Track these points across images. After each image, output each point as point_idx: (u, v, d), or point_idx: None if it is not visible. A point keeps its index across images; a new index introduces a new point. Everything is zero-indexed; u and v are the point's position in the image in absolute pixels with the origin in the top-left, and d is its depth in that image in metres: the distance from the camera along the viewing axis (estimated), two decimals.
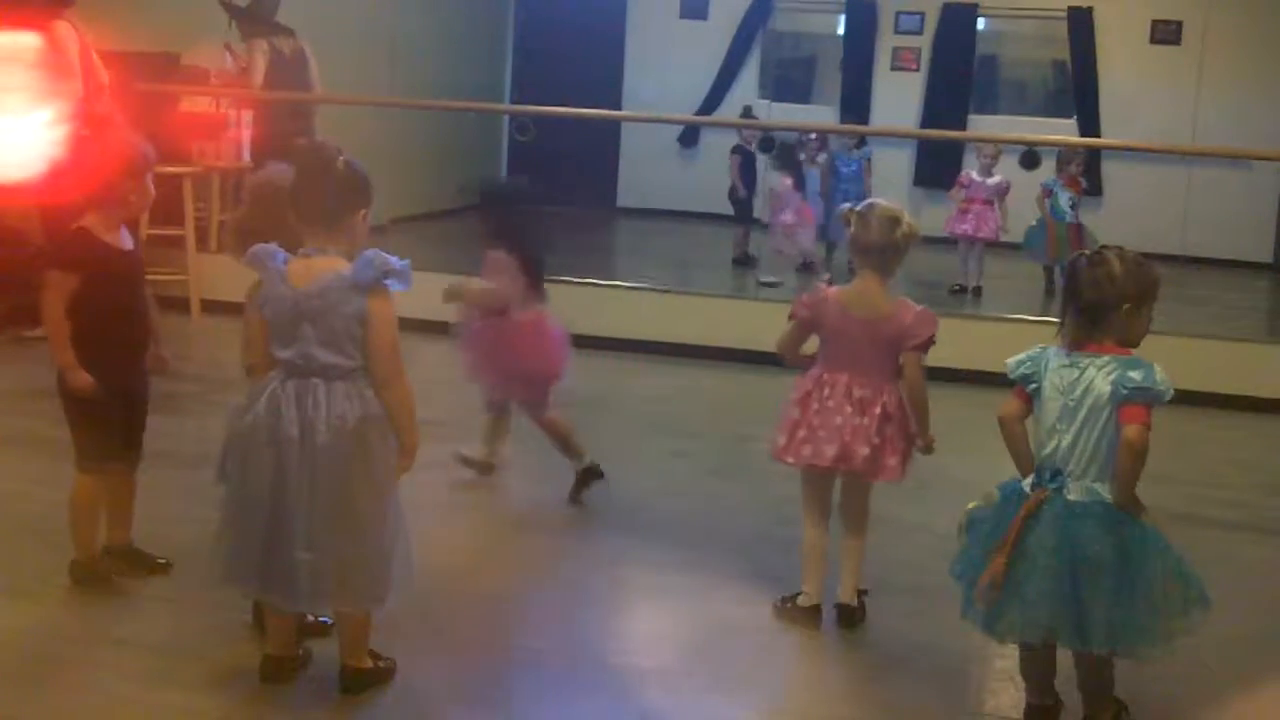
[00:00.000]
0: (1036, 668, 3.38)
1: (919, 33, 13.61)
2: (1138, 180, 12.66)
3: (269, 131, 8.08)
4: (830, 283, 4.21)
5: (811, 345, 4.04)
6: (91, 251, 3.85)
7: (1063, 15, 13.13)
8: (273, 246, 3.29)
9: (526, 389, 5.03)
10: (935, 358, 3.92)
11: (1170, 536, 3.25)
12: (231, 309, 3.88)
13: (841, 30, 14.06)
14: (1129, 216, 11.93)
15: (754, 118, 11.97)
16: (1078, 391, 3.23)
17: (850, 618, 3.99)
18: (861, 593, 4.05)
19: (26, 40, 6.42)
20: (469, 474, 5.14)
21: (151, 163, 4.00)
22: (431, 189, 12.29)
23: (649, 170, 14.05)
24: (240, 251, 3.40)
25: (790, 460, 3.94)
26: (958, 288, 9.92)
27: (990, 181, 10.00)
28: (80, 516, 4.00)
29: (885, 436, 3.87)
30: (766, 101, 13.76)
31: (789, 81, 14.76)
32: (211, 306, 7.88)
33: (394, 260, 3.21)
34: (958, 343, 5.18)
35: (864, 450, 3.85)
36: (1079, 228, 9.77)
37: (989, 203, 9.98)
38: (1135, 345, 3.28)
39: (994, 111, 13.73)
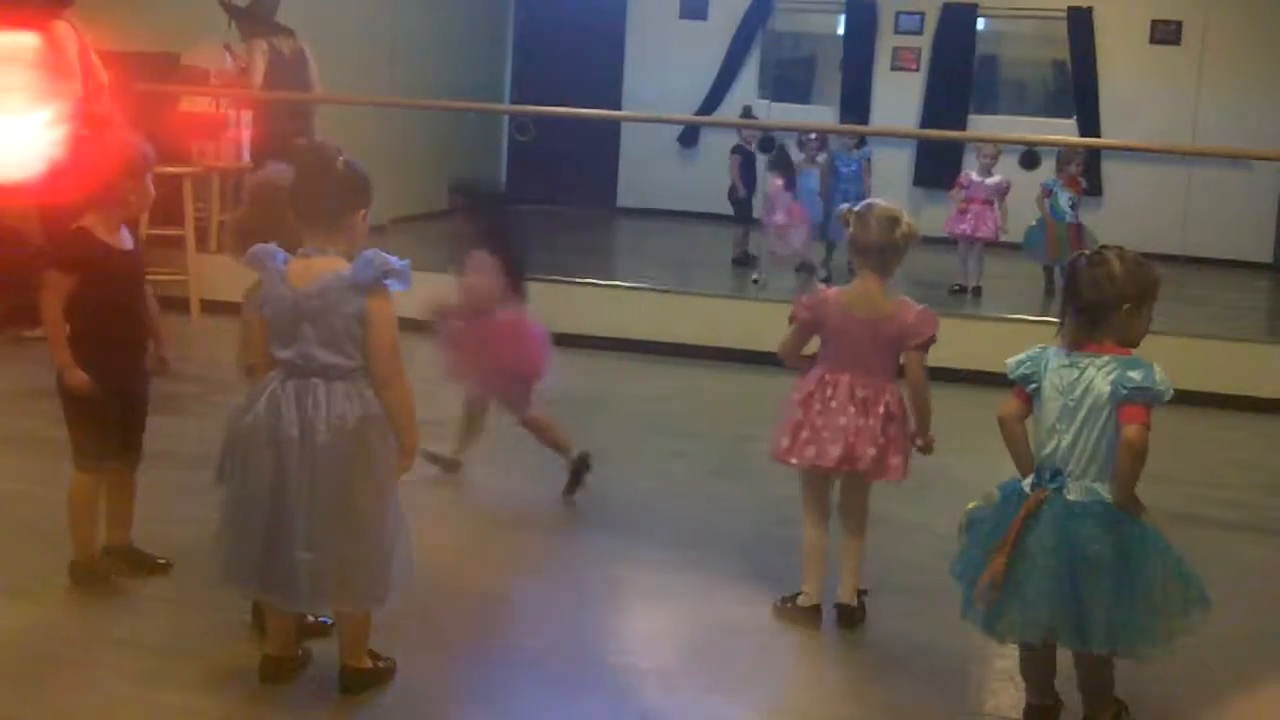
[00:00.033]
0: (1036, 668, 3.38)
1: (919, 33, 13.61)
2: (1138, 180, 12.67)
3: (269, 131, 8.08)
4: (828, 281, 4.21)
5: (811, 346, 4.04)
6: (91, 251, 3.84)
7: (1062, 15, 13.13)
8: (272, 246, 3.29)
9: (507, 388, 5.02)
10: (935, 358, 3.92)
11: (1170, 536, 3.25)
12: (231, 309, 3.88)
13: (841, 30, 14.07)
14: (1129, 216, 11.93)
15: (754, 118, 11.97)
16: (1077, 391, 3.23)
17: (850, 618, 3.99)
18: (861, 593, 4.05)
19: (26, 40, 6.42)
20: (438, 471, 5.13)
21: (151, 163, 4.00)
22: (431, 189, 12.25)
23: (649, 170, 14.05)
24: (240, 251, 3.40)
25: (794, 461, 3.94)
26: (957, 288, 9.92)
27: (990, 181, 10.00)
28: (78, 516, 4.00)
29: (889, 436, 3.88)
30: (766, 101, 13.77)
31: (789, 81, 14.76)
32: (211, 306, 7.88)
33: (394, 260, 3.21)
34: (958, 343, 5.18)
35: (870, 451, 3.85)
36: (1079, 228, 9.77)
37: (988, 202, 9.98)
38: (1135, 345, 3.28)
39: (994, 111, 13.73)
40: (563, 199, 13.99)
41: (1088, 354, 3.25)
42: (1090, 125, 12.89)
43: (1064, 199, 9.82)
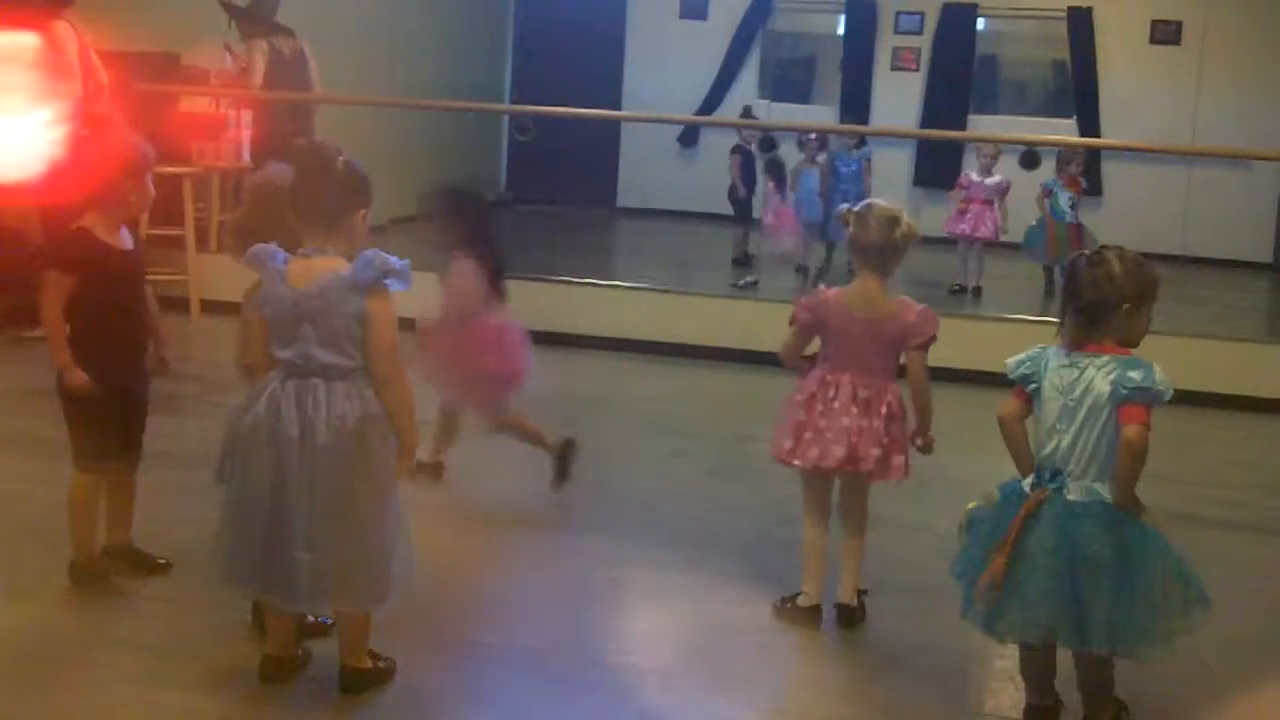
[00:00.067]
0: (1036, 668, 3.38)
1: (919, 33, 13.62)
2: (1138, 180, 12.67)
3: (268, 132, 8.08)
4: (820, 275, 4.22)
5: (811, 347, 4.04)
6: (90, 251, 3.84)
7: (1062, 15, 13.14)
8: (272, 246, 3.29)
9: (485, 393, 5.01)
10: (935, 358, 3.92)
11: (1170, 536, 3.25)
12: (232, 309, 3.88)
13: (841, 30, 14.08)
14: (1129, 216, 11.94)
15: (754, 117, 11.97)
16: (1077, 391, 3.23)
17: (850, 618, 3.99)
18: (861, 593, 4.05)
19: (25, 40, 6.42)
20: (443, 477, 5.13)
21: (151, 163, 4.00)
22: (431, 189, 12.28)
23: (649, 170, 14.06)
24: (240, 251, 3.40)
25: (797, 463, 3.93)
26: (957, 288, 9.92)
27: (989, 181, 10.00)
28: (78, 516, 4.00)
29: (892, 436, 3.88)
30: (766, 101, 13.77)
31: (789, 81, 14.77)
32: (211, 306, 7.88)
33: (394, 260, 3.21)
34: (958, 343, 5.18)
35: (875, 452, 3.85)
36: (1079, 228, 9.77)
37: (988, 202, 9.98)
38: (1135, 345, 3.28)
39: (994, 111, 13.74)
40: (563, 199, 14.01)
41: (1088, 354, 3.25)
42: (1090, 125, 12.90)
43: (1064, 199, 9.82)
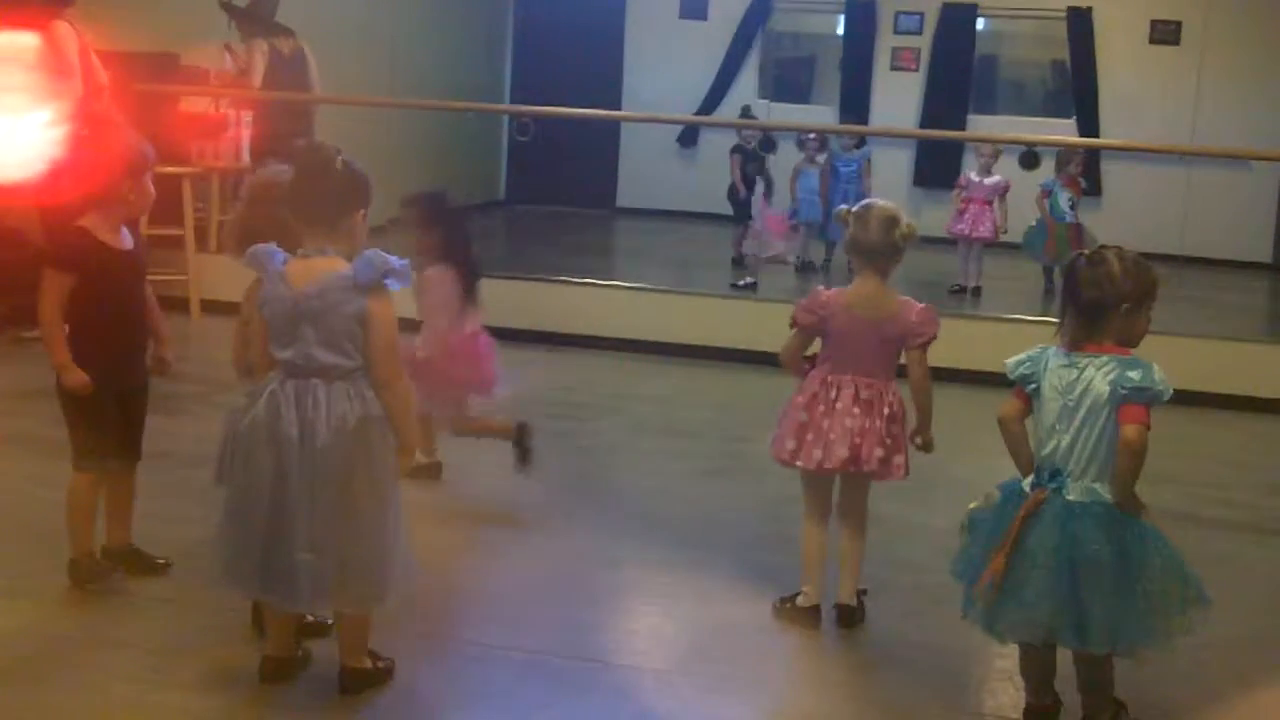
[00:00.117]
0: (1036, 667, 3.38)
1: (918, 33, 13.62)
2: (1137, 180, 12.68)
3: (268, 132, 8.07)
4: (821, 273, 4.21)
5: (810, 348, 4.03)
6: (89, 251, 3.84)
7: (1062, 15, 13.14)
8: (272, 247, 3.29)
9: (451, 398, 5.01)
10: (935, 358, 3.92)
11: (1170, 536, 3.25)
12: (232, 309, 3.88)
13: (841, 30, 14.08)
14: (1128, 216, 11.95)
15: (753, 117, 11.97)
16: (1076, 391, 3.23)
17: (850, 618, 3.99)
18: (861, 593, 4.05)
19: (25, 40, 6.41)
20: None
21: (151, 162, 4.00)
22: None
23: (649, 170, 14.06)
24: (240, 252, 3.40)
25: (800, 464, 3.93)
26: (957, 288, 9.92)
27: (988, 181, 10.00)
28: (76, 515, 3.99)
29: (893, 436, 3.89)
30: (766, 101, 13.78)
31: (788, 81, 14.78)
32: (211, 307, 7.88)
33: (393, 260, 3.21)
34: (957, 343, 5.19)
35: (879, 452, 3.85)
36: (1078, 228, 9.77)
37: (987, 203, 9.98)
38: (1134, 345, 3.28)
39: (993, 111, 13.74)
40: (563, 199, 14.02)
41: (1087, 354, 3.25)
42: (1090, 125, 12.91)
43: (1063, 199, 9.83)
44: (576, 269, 9.28)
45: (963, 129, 13.19)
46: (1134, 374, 3.17)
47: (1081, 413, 3.21)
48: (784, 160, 11.21)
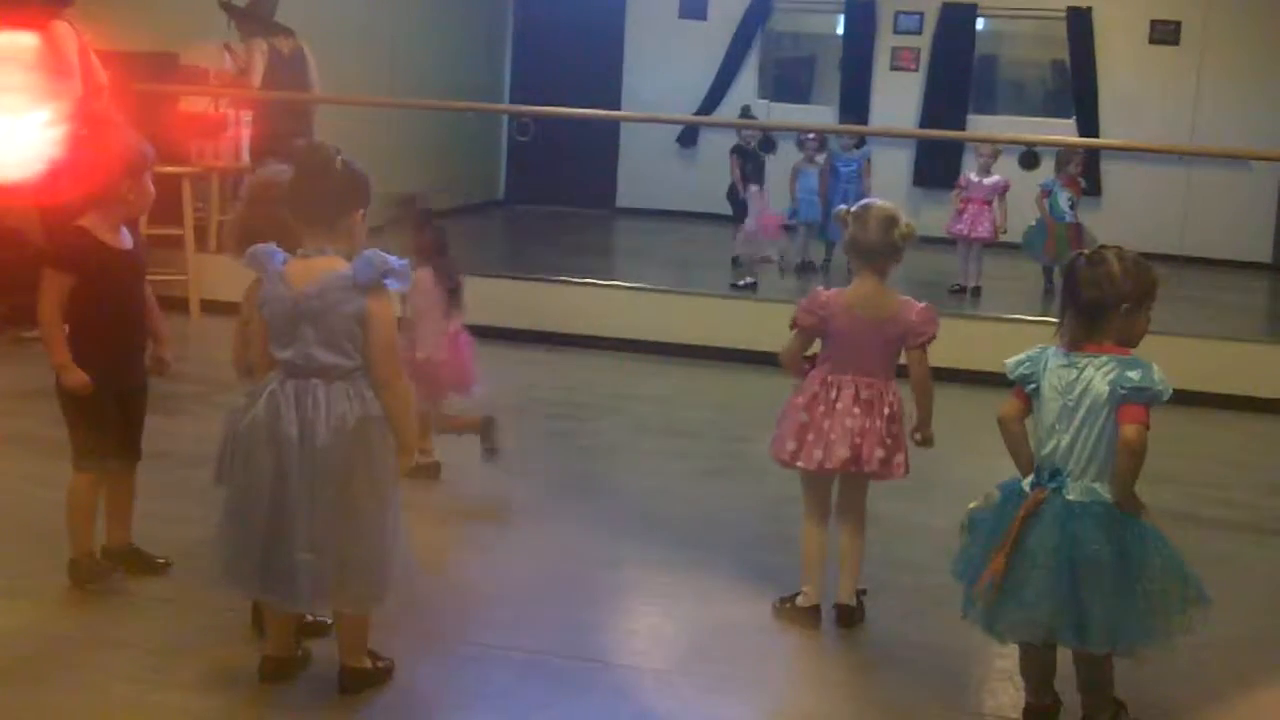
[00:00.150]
0: (1036, 667, 3.37)
1: (918, 33, 13.62)
2: (1137, 180, 12.68)
3: (268, 131, 8.07)
4: (821, 272, 4.20)
5: (809, 348, 4.03)
6: (89, 251, 3.84)
7: (1062, 15, 13.14)
8: (271, 246, 3.29)
9: (429, 397, 5.02)
10: (935, 358, 3.92)
11: (1170, 536, 3.25)
12: (231, 309, 3.88)
13: (840, 30, 14.08)
14: (1128, 216, 11.95)
15: (753, 117, 11.97)
16: (1076, 391, 3.23)
17: (849, 618, 3.99)
18: (860, 593, 4.05)
19: (25, 40, 6.41)
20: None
21: (150, 162, 3.99)
22: (431, 189, 12.27)
23: (649, 170, 14.06)
24: (239, 251, 3.40)
25: (801, 465, 3.93)
26: (957, 288, 9.92)
27: (988, 181, 10.00)
28: (76, 515, 3.99)
29: (893, 436, 3.89)
30: (765, 101, 13.78)
31: (788, 81, 14.78)
32: (211, 306, 7.88)
33: (393, 260, 3.21)
34: (957, 343, 5.18)
35: (879, 452, 3.86)
36: (1078, 228, 9.77)
37: (986, 202, 9.98)
38: (1134, 345, 3.28)
39: (993, 111, 13.74)
40: (563, 199, 14.02)
41: (1086, 354, 3.25)
42: (1089, 125, 12.90)
43: (1063, 199, 9.83)
44: (576, 269, 9.28)
45: (962, 129, 13.19)
46: (1133, 374, 3.17)
47: (1081, 413, 3.21)
48: (784, 160, 11.21)
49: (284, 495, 3.19)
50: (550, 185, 14.04)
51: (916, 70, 13.64)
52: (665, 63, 13.86)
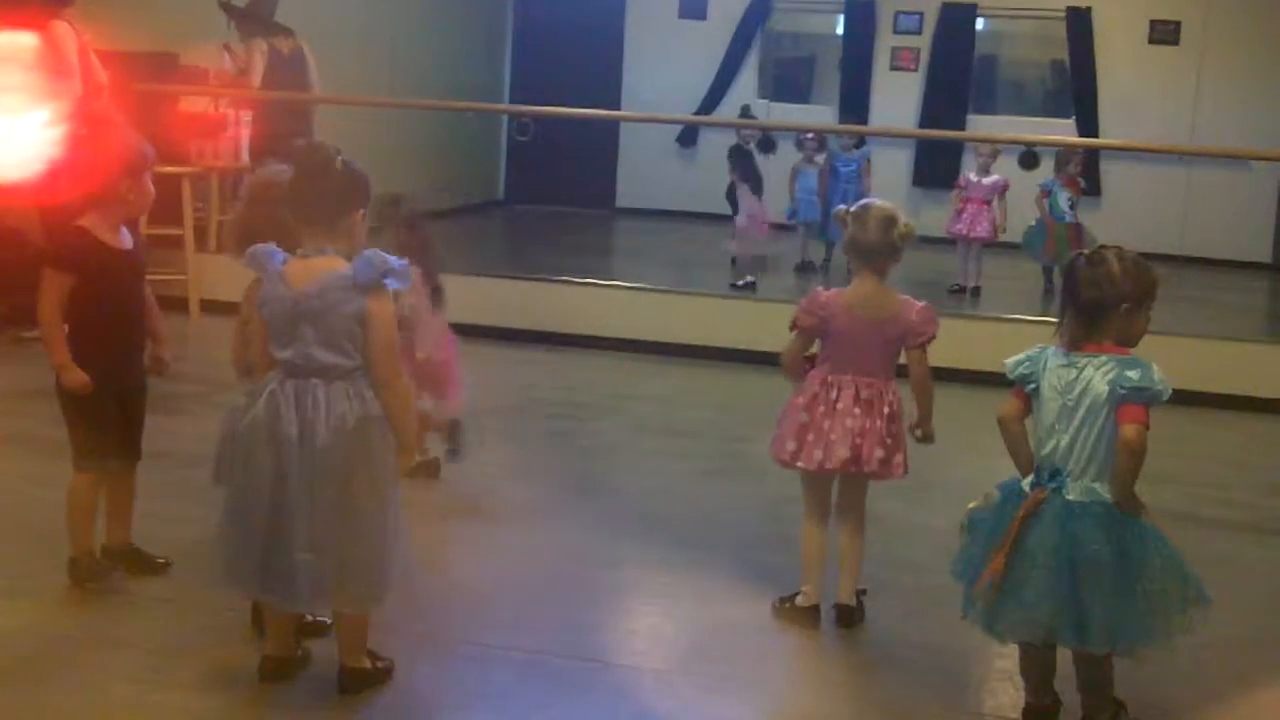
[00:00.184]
0: (1036, 667, 3.37)
1: (918, 33, 13.63)
2: (1137, 180, 12.68)
3: (267, 131, 8.08)
4: (821, 271, 4.21)
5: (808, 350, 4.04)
6: (89, 251, 3.84)
7: (1061, 15, 13.14)
8: (271, 246, 3.29)
9: (434, 396, 5.04)
10: (935, 358, 3.92)
11: (1170, 536, 3.25)
12: (231, 309, 3.88)
13: (840, 30, 14.08)
14: (1128, 216, 11.95)
15: (753, 117, 11.96)
16: (1076, 391, 3.22)
17: (849, 618, 3.99)
18: (860, 592, 4.04)
19: (24, 40, 6.41)
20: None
21: (150, 162, 3.99)
22: (431, 189, 12.28)
23: (648, 170, 14.06)
24: (239, 251, 3.40)
25: (801, 465, 3.93)
26: (956, 288, 9.92)
27: (987, 181, 10.00)
28: (77, 515, 3.99)
29: (893, 435, 3.89)
30: (765, 101, 13.78)
31: (788, 81, 14.78)
32: (210, 306, 7.88)
33: (393, 260, 3.21)
34: (957, 343, 5.18)
35: (879, 453, 3.86)
36: (1078, 228, 9.77)
37: (985, 202, 9.97)
38: (1134, 345, 3.28)
39: (993, 111, 13.75)
40: (562, 199, 14.02)
41: (1086, 354, 3.25)
42: (1089, 125, 12.91)
43: (1063, 199, 9.83)
44: (576, 269, 9.28)
45: (962, 129, 13.19)
46: (1133, 374, 3.17)
47: (1081, 412, 3.21)
48: (783, 160, 11.21)
49: (284, 495, 3.19)
50: (550, 185, 14.05)
51: (916, 70, 13.64)
52: (665, 63, 13.86)
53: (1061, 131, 12.61)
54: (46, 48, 6.41)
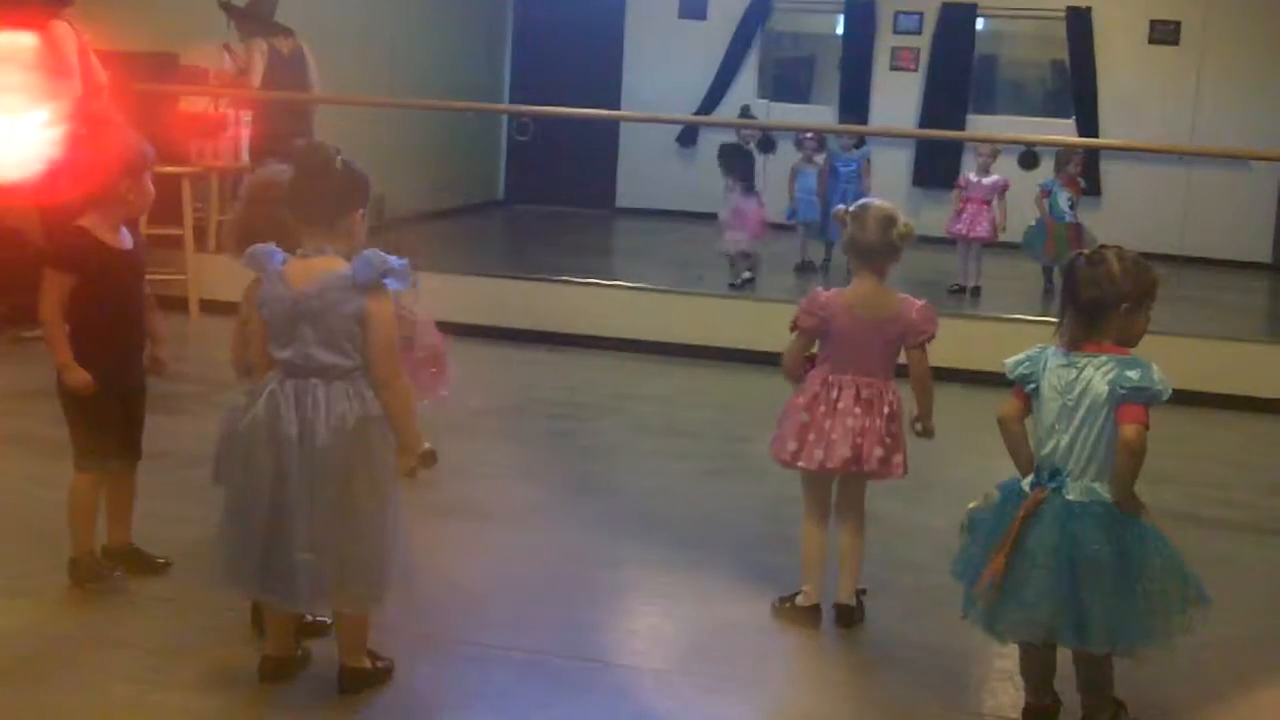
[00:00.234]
0: (1036, 667, 3.37)
1: (918, 33, 13.62)
2: (1137, 180, 12.68)
3: (267, 131, 8.08)
4: (821, 271, 4.21)
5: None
6: (89, 251, 3.84)
7: (1061, 15, 13.14)
8: (271, 246, 3.29)
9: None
10: (935, 357, 3.92)
11: (1170, 536, 3.25)
12: (231, 309, 3.88)
13: (840, 30, 14.08)
14: (1128, 216, 11.95)
15: (752, 117, 11.95)
16: (1076, 391, 3.23)
17: (849, 617, 3.99)
18: (860, 592, 4.05)
19: (24, 40, 6.41)
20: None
21: (150, 161, 3.99)
22: (431, 189, 12.29)
23: (648, 170, 14.05)
24: (239, 251, 3.40)
25: (802, 465, 3.93)
26: (956, 287, 9.92)
27: (986, 181, 10.00)
28: (78, 515, 3.99)
29: (893, 435, 3.89)
30: (765, 101, 13.77)
31: (788, 81, 14.78)
32: (210, 306, 7.88)
33: (392, 260, 3.21)
34: (957, 342, 5.18)
35: (879, 452, 3.86)
36: (1078, 227, 9.77)
37: (985, 202, 9.97)
38: (1134, 345, 3.28)
39: (992, 111, 13.74)
40: (562, 199, 14.02)
41: (1086, 354, 3.25)
42: (1089, 125, 12.90)
43: (1063, 199, 9.82)
44: (577, 269, 9.28)
45: (962, 129, 13.18)
46: (1133, 374, 3.17)
47: (1081, 412, 3.21)
48: (783, 160, 11.20)
49: (284, 495, 3.19)
50: (550, 185, 14.04)
51: (916, 70, 13.64)
52: (665, 63, 13.85)
53: (1061, 131, 12.61)
54: (46, 48, 6.41)
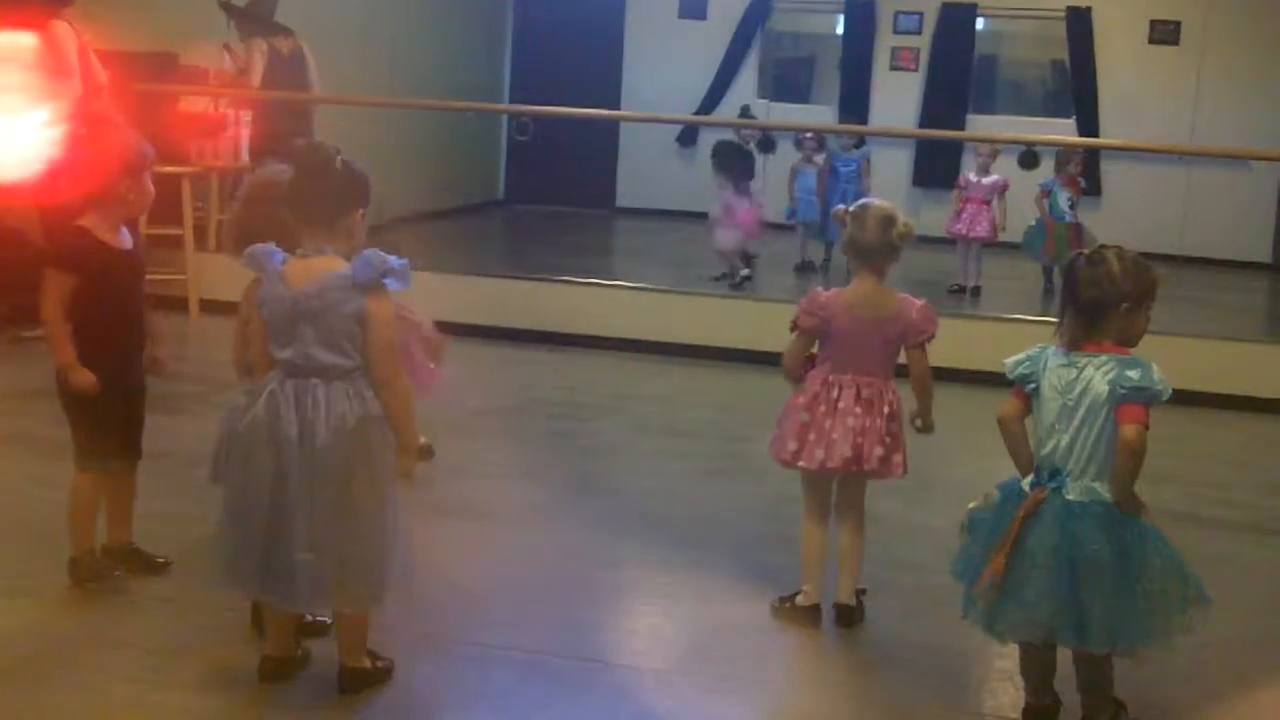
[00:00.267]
0: (1036, 667, 3.37)
1: (918, 33, 13.62)
2: (1137, 180, 12.67)
3: (267, 131, 8.08)
4: (822, 271, 4.21)
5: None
6: (90, 251, 3.84)
7: (1061, 15, 13.14)
8: (270, 246, 3.29)
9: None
10: (935, 357, 3.92)
11: (1170, 536, 3.25)
12: (231, 309, 3.88)
13: (840, 30, 14.08)
14: (1128, 216, 11.95)
15: (752, 117, 11.95)
16: (1076, 391, 3.23)
17: (849, 617, 3.99)
18: (860, 592, 4.05)
19: (24, 40, 6.41)
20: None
21: (150, 161, 3.99)
22: (431, 189, 12.30)
23: (648, 170, 14.05)
24: (238, 251, 3.40)
25: (803, 464, 3.93)
26: (956, 287, 9.92)
27: (986, 181, 10.00)
28: (78, 515, 3.99)
29: (893, 434, 3.89)
30: (765, 101, 13.77)
31: (788, 81, 14.77)
32: (210, 306, 7.88)
33: (392, 260, 3.21)
34: (957, 342, 5.18)
35: (879, 451, 3.86)
36: (1078, 227, 9.77)
37: (985, 202, 9.97)
38: (1134, 345, 3.28)
39: (992, 111, 13.74)
40: (562, 199, 14.02)
41: (1086, 353, 3.25)
42: (1089, 125, 12.90)
43: (1063, 199, 9.82)
44: (577, 269, 9.28)
45: (962, 129, 13.18)
46: (1133, 373, 3.17)
47: (1081, 412, 3.21)
48: (783, 160, 11.19)
49: (284, 495, 3.19)
50: (550, 185, 14.04)
51: (916, 70, 13.63)
52: (665, 63, 13.85)
53: (1061, 131, 12.60)
54: (46, 48, 6.41)
